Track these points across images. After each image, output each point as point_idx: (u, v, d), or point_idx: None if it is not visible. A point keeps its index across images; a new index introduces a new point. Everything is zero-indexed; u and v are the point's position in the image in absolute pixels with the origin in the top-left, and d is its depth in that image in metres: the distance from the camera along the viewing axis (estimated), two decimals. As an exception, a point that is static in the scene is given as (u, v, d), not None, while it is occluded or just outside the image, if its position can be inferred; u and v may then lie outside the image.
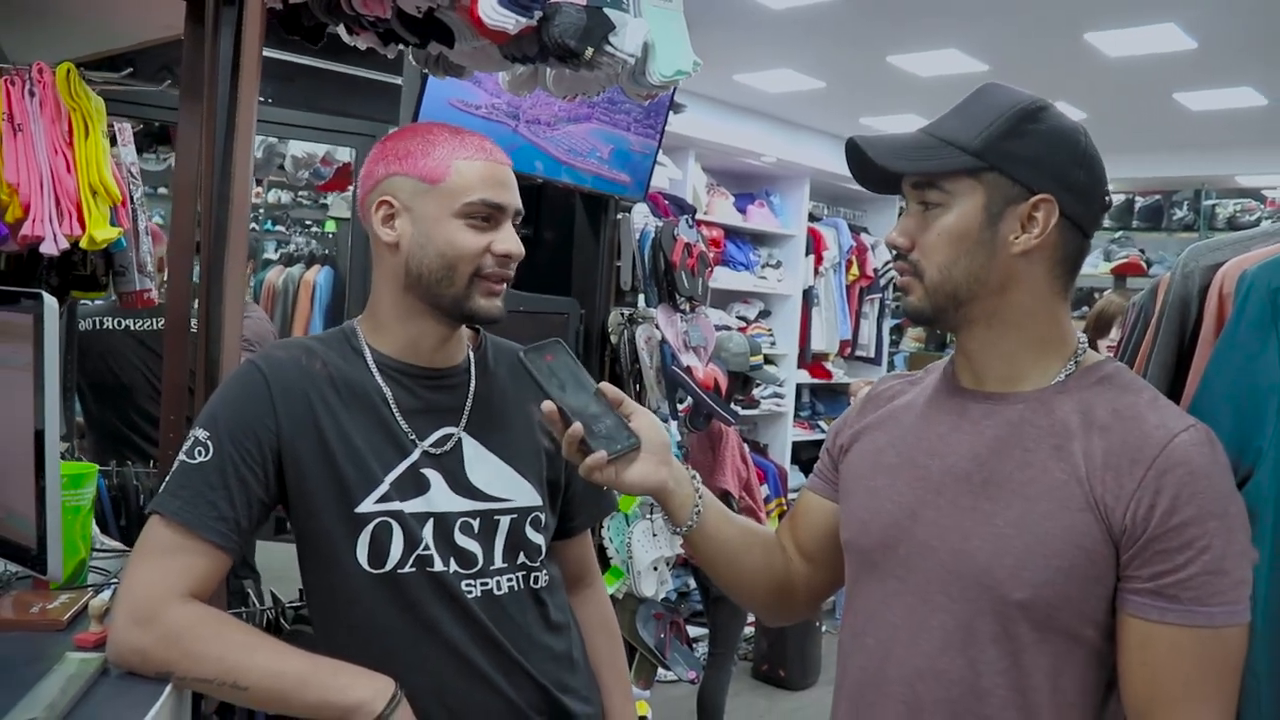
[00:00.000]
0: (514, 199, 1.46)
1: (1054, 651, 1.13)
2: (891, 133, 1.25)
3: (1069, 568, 1.11)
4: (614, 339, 3.80)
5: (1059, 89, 5.16)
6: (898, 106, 5.64)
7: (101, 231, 1.60)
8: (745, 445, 4.22)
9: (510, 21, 1.63)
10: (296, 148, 3.45)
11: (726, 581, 1.42)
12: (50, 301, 1.33)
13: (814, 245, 6.68)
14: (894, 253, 1.24)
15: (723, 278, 6.15)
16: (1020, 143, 1.17)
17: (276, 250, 5.33)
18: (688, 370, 3.82)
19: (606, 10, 1.73)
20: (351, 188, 3.67)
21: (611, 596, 3.70)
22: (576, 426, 1.25)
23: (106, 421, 3.18)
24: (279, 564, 1.52)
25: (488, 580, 1.45)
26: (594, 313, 3.81)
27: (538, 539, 1.51)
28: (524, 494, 1.51)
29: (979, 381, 1.24)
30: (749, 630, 5.40)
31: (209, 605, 1.31)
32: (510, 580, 1.48)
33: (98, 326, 3.13)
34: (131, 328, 3.15)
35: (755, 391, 6.16)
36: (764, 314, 6.63)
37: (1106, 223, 7.13)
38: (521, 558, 1.49)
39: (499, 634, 1.44)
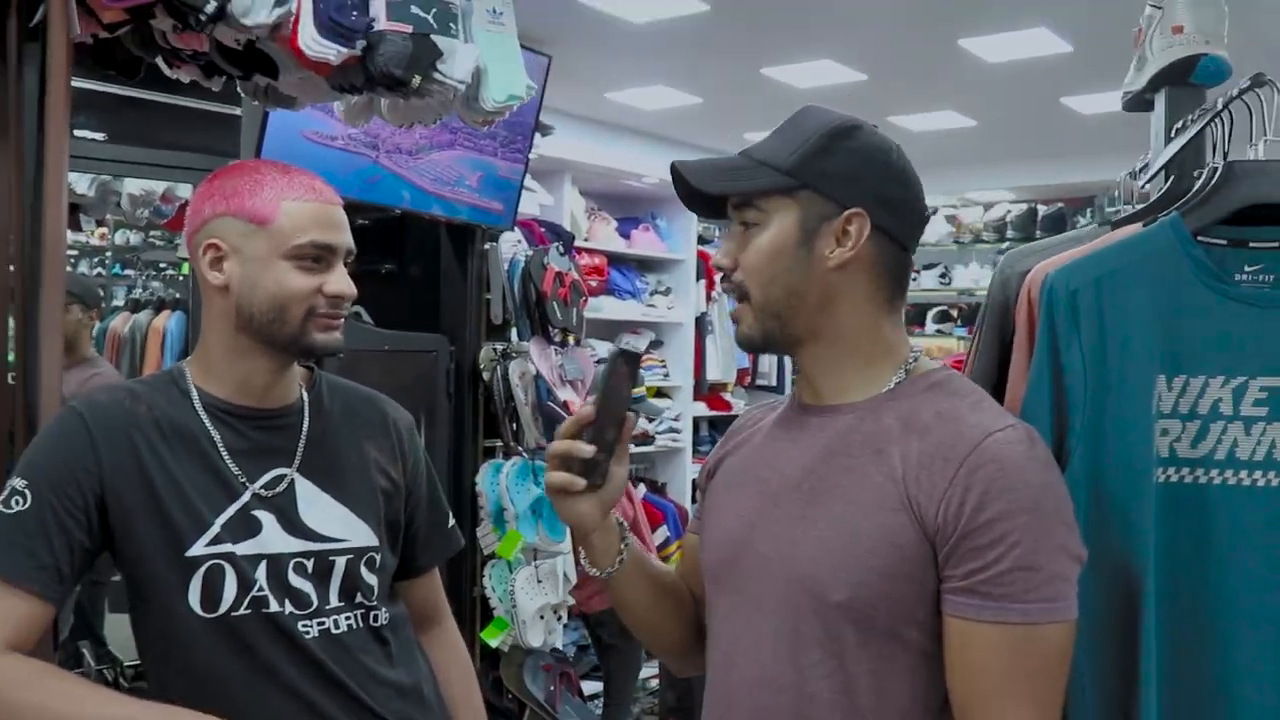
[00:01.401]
0: (345, 239, 1.55)
1: (878, 654, 1.23)
2: (711, 158, 1.38)
3: (884, 567, 1.21)
4: (486, 376, 3.89)
5: (943, 97, 5.44)
6: (779, 120, 5.84)
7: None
8: (633, 485, 4.33)
9: (332, 52, 1.72)
10: (133, 185, 3.48)
11: (642, 629, 1.52)
12: None
13: (705, 270, 6.83)
14: (722, 275, 1.36)
15: (609, 308, 6.25)
16: (832, 160, 1.28)
17: (126, 297, 5.29)
18: (564, 405, 3.90)
19: (434, 37, 1.83)
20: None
21: (496, 650, 3.80)
22: (586, 447, 1.32)
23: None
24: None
25: (324, 620, 1.53)
26: (464, 349, 3.90)
27: (372, 579, 1.59)
28: (359, 534, 1.59)
29: (817, 396, 1.36)
30: (655, 684, 5.49)
31: (31, 658, 1.37)
32: (349, 619, 1.56)
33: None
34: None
35: (649, 426, 6.28)
36: (655, 344, 6.75)
37: (1009, 234, 7.47)
38: (359, 597, 1.58)
39: (340, 673, 1.52)
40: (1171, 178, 1.49)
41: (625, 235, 6.57)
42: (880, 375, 1.32)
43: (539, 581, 3.95)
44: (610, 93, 5.42)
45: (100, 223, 4.39)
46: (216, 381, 1.55)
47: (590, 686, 4.48)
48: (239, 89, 2.08)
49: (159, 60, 1.89)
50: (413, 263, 4.12)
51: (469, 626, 3.81)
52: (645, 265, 6.81)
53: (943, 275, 7.83)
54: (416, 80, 1.82)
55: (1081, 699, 1.35)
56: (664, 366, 6.67)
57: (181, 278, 4.97)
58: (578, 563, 4.28)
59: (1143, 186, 1.56)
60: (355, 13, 1.73)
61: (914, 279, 7.64)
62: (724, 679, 1.36)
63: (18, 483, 1.42)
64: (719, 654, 1.38)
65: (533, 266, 3.98)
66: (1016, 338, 1.43)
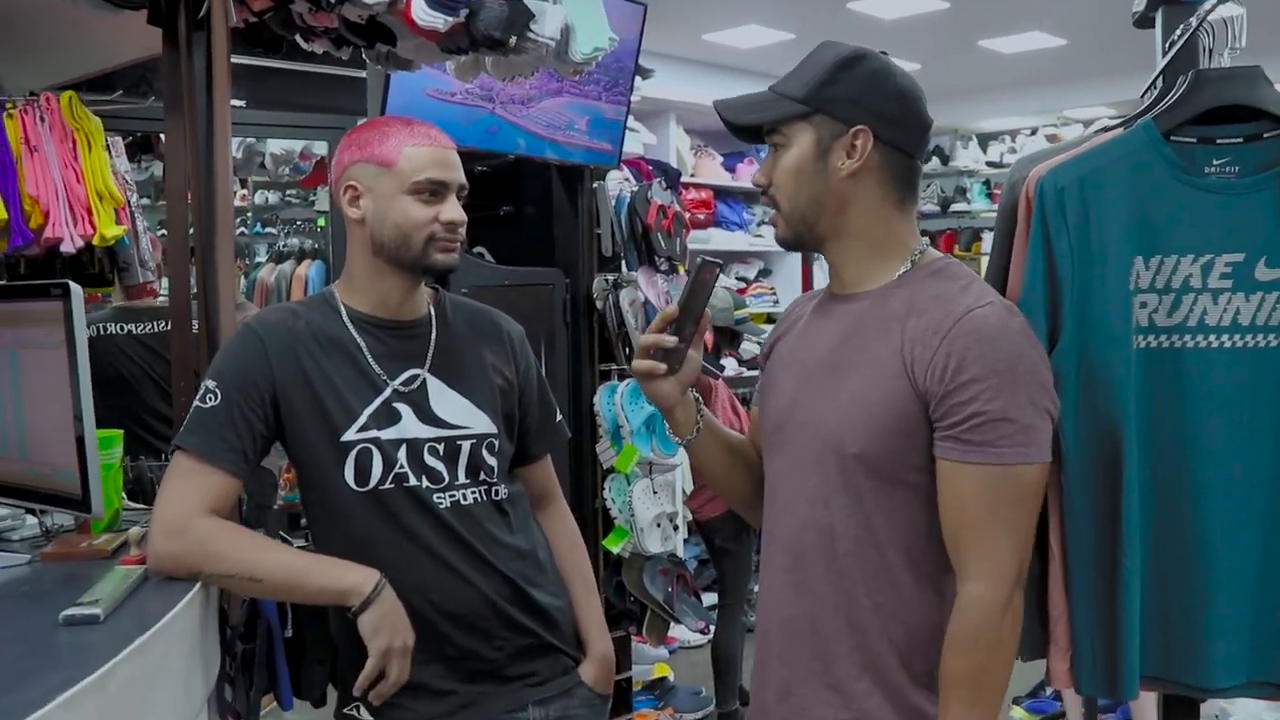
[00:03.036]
0: (457, 177, 1.85)
1: (889, 496, 1.51)
2: (746, 94, 1.64)
3: (888, 425, 1.48)
4: (599, 305, 4.09)
5: (1029, 18, 5.48)
6: (871, 51, 5.99)
7: (110, 229, 2.03)
8: (735, 398, 4.58)
9: (439, 20, 2.01)
10: (274, 145, 3.83)
11: (720, 485, 1.82)
12: (76, 288, 1.74)
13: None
14: (761, 190, 1.63)
15: (717, 239, 6.47)
16: (839, 87, 1.54)
17: (267, 252, 5.70)
18: (671, 328, 4.11)
19: (525, 1, 2.12)
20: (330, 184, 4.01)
21: (618, 556, 4.08)
22: (668, 339, 1.61)
23: (115, 421, 3.57)
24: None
25: (454, 492, 1.85)
26: (578, 281, 4.12)
27: (492, 461, 1.90)
28: (480, 423, 1.90)
29: (842, 286, 1.63)
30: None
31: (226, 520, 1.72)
32: (474, 492, 1.87)
33: (101, 332, 3.48)
34: (134, 331, 3.51)
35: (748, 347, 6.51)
36: (764, 273, 6.96)
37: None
38: (481, 475, 1.89)
39: (468, 536, 1.83)
40: (1161, 87, 1.69)
41: (730, 169, 6.76)
42: (892, 266, 1.57)
43: (654, 492, 4.16)
44: (706, 34, 5.62)
45: (242, 184, 4.78)
46: (360, 298, 1.87)
47: (708, 599, 4.72)
48: (364, 56, 2.39)
49: (297, 37, 2.21)
50: (528, 204, 4.31)
51: (592, 535, 4.02)
52: (750, 197, 6.97)
53: (1046, 193, 7.80)
54: (513, 40, 2.10)
55: (1076, 528, 1.59)
56: (773, 294, 6.87)
57: (318, 229, 5.36)
58: (693, 476, 4.54)
59: (1141, 97, 1.75)
60: (458, -15, 2.02)
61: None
62: (775, 527, 1.66)
63: (209, 384, 1.76)
64: (773, 507, 1.67)
65: (637, 201, 4.17)
66: (1016, 233, 1.65)
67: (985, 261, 1.92)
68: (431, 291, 1.98)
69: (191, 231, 2.00)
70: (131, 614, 1.51)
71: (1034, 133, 7.95)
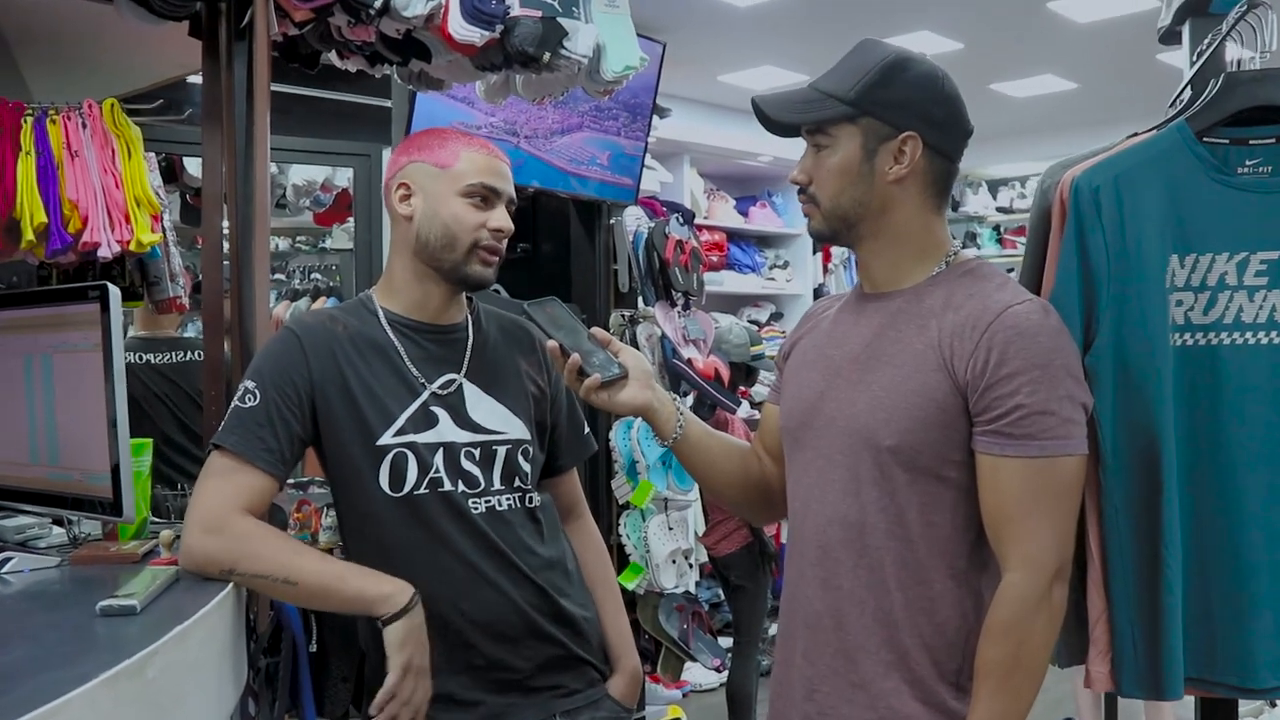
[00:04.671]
0: (508, 188, 1.87)
1: (923, 490, 1.51)
2: (785, 90, 1.67)
3: (925, 417, 1.49)
4: (616, 340, 4.17)
5: (1041, 61, 5.55)
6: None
7: (146, 235, 2.06)
8: (752, 432, 4.57)
9: (476, 35, 2.06)
10: (296, 176, 3.87)
11: (712, 485, 1.82)
12: (114, 289, 1.75)
13: (821, 244, 7.04)
14: (799, 188, 1.65)
15: (730, 282, 6.52)
16: (888, 90, 1.55)
17: (277, 298, 5.74)
18: (688, 363, 4.16)
19: (560, 19, 2.16)
20: (351, 218, 4.07)
21: (632, 593, 4.07)
22: (575, 358, 1.65)
23: (133, 452, 3.60)
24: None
25: (490, 498, 1.84)
26: (595, 316, 4.18)
27: (527, 467, 1.90)
28: (516, 429, 1.90)
29: (874, 285, 1.64)
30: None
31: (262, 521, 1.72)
32: (509, 499, 1.87)
33: (121, 362, 3.54)
34: (153, 361, 3.55)
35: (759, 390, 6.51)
36: (776, 316, 6.99)
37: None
38: (516, 481, 1.88)
39: (501, 543, 1.82)
40: (1192, 93, 1.72)
41: (743, 213, 6.82)
42: (927, 266, 1.59)
43: (670, 528, 4.18)
44: (722, 75, 5.69)
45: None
46: (398, 301, 1.88)
47: (723, 642, 4.70)
48: (395, 75, 2.43)
49: (333, 55, 2.26)
50: (545, 241, 4.43)
51: (607, 570, 4.05)
52: (763, 241, 7.05)
53: (1056, 238, 7.85)
54: (546, 56, 2.15)
55: (1116, 527, 1.60)
56: (784, 336, 6.88)
57: (333, 269, 5.41)
58: (706, 513, 4.54)
59: (1170, 105, 1.78)
60: (494, 1, 2.07)
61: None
62: (801, 522, 1.65)
63: (249, 383, 1.77)
64: (798, 502, 1.67)
65: (655, 236, 4.24)
66: (1051, 236, 1.66)
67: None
68: (466, 300, 1.99)
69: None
70: (166, 608, 1.51)
71: (1043, 179, 7.98)
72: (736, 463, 1.81)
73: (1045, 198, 1.72)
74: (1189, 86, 1.75)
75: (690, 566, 4.32)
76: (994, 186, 8.47)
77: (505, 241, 1.87)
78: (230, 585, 1.65)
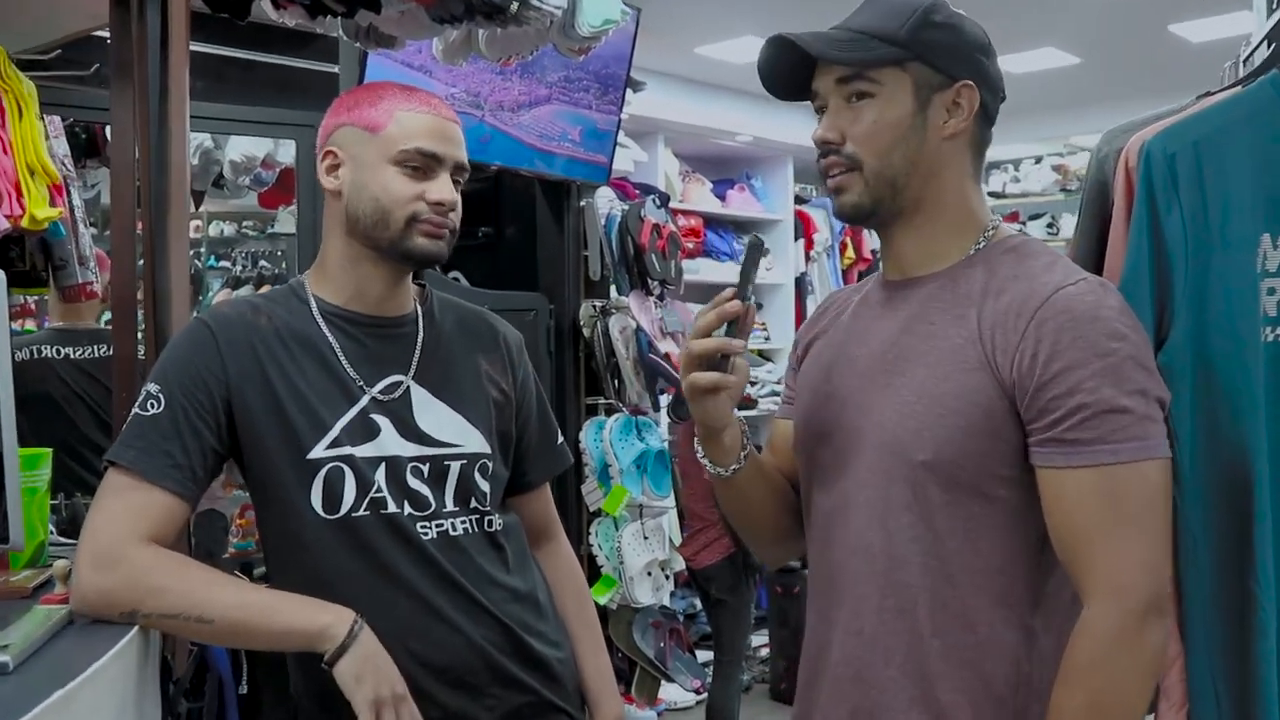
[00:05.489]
0: (453, 152, 1.65)
1: (966, 514, 1.31)
2: (814, 31, 1.44)
3: (966, 425, 1.29)
4: (587, 333, 3.98)
5: (1043, 33, 5.40)
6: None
7: (42, 210, 1.81)
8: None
9: (433, -22, 1.82)
10: (235, 150, 3.65)
11: (751, 525, 1.61)
12: (-1, 274, 1.51)
13: (803, 229, 6.88)
14: (823, 150, 1.41)
15: (706, 270, 6.34)
16: (938, 33, 1.38)
17: (220, 288, 5.54)
18: (665, 357, 3.99)
19: (529, -39, 1.94)
20: (296, 199, 3.87)
21: (605, 608, 3.90)
22: (737, 342, 1.39)
23: (49, 453, 3.37)
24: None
25: (441, 522, 1.64)
26: (564, 307, 4.01)
27: (485, 485, 1.69)
28: (472, 440, 1.70)
29: (901, 270, 1.44)
30: (766, 653, 5.57)
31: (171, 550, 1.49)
32: (464, 522, 1.66)
33: (35, 355, 3.30)
34: (72, 356, 3.33)
35: (751, 390, 6.34)
36: (755, 307, 6.83)
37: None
38: (473, 501, 1.68)
39: (457, 574, 1.62)
40: (1273, 46, 1.52)
41: (720, 196, 6.67)
42: (964, 244, 1.41)
43: (645, 537, 4.03)
44: (700, 47, 5.49)
45: (196, 209, 4.59)
46: (333, 289, 1.67)
47: (701, 656, 4.55)
48: (340, 30, 2.19)
49: (265, 2, 2.02)
50: (509, 225, 4.24)
51: (577, 584, 3.90)
52: (742, 226, 6.88)
53: (1050, 225, 7.73)
54: (515, 6, 1.92)
55: (1195, 559, 1.40)
56: (764, 329, 6.73)
57: (279, 255, 5.19)
58: (681, 522, 4.38)
59: (1244, 59, 1.58)
60: (454, -62, 1.84)
61: (1021, 229, 7.59)
62: (822, 553, 1.45)
63: (152, 387, 1.55)
64: (816, 530, 1.47)
65: (629, 219, 4.06)
66: (1115, 211, 1.49)
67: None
68: (418, 288, 1.77)
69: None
70: (50, 663, 1.30)
71: (1039, 161, 7.86)
72: (781, 500, 1.59)
73: (1103, 168, 1.56)
74: (1267, 41, 1.55)
75: (667, 578, 4.16)
76: (985, 170, 8.26)
77: (454, 216, 1.64)
78: (134, 628, 1.42)
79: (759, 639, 5.60)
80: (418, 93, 1.67)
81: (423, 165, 1.61)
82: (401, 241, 1.61)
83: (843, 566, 1.40)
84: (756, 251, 1.44)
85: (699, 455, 1.50)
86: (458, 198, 1.65)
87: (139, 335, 1.87)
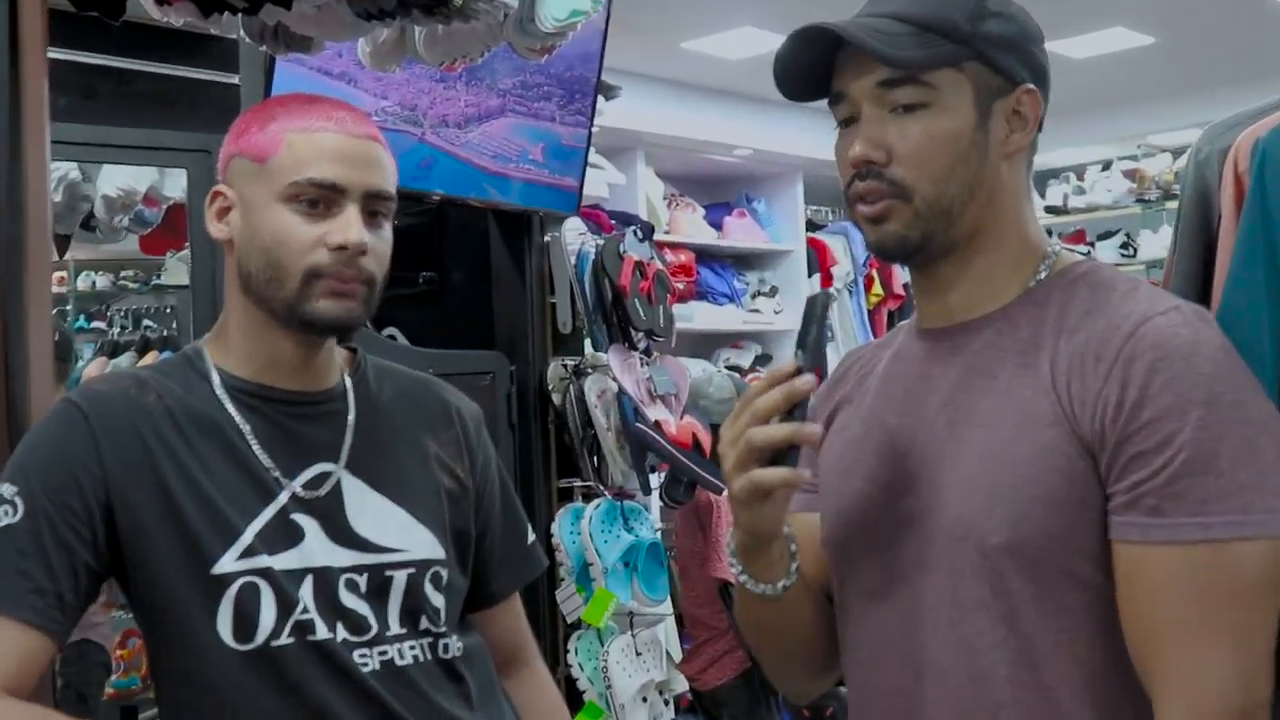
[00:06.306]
0: (361, 177, 1.60)
1: (1058, 609, 1.29)
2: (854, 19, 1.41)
3: (1046, 495, 1.27)
4: (557, 399, 4.01)
5: (1110, 10, 5.47)
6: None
7: None
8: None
9: (356, -37, 1.82)
10: (108, 183, 3.64)
11: (787, 653, 1.58)
12: None
13: (818, 261, 6.93)
14: (860, 171, 1.38)
15: (701, 315, 6.38)
16: (999, 24, 1.37)
17: (95, 352, 5.51)
18: (656, 426, 4.01)
19: (476, -56, 1.94)
20: (189, 243, 3.86)
21: (588, 747, 3.87)
22: (813, 428, 1.34)
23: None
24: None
25: (385, 648, 1.61)
26: (528, 368, 4.05)
27: (439, 600, 1.68)
28: (421, 544, 1.68)
29: (948, 315, 1.43)
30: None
31: (30, 703, 1.46)
32: (414, 649, 1.64)
33: None
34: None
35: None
36: (763, 359, 6.84)
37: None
38: (424, 622, 1.66)
39: (406, 715, 1.60)
40: None
41: (716, 225, 6.72)
42: (1022, 277, 1.40)
43: (637, 653, 4.06)
44: (687, 41, 5.54)
45: (60, 248, 4.58)
46: (238, 359, 1.65)
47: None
48: (241, 31, 2.19)
49: (145, -1, 2.01)
50: (456, 268, 4.30)
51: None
52: (743, 261, 6.96)
53: (1124, 246, 7.78)
54: (459, -1, 1.91)
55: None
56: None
57: (168, 313, 5.17)
58: (681, 631, 4.36)
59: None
60: (382, -87, 1.84)
61: (1089, 252, 7.64)
62: (868, 678, 1.44)
63: (6, 490, 1.52)
64: (862, 650, 1.45)
65: (606, 257, 4.11)
66: (1223, 226, 1.50)
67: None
68: (347, 352, 1.76)
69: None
70: None
71: (1107, 167, 7.91)
72: (829, 620, 1.56)
73: (1204, 173, 1.58)
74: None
75: (666, 704, 4.21)
76: (1041, 180, 8.40)
77: (370, 262, 1.60)
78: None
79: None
80: (319, 104, 1.64)
81: (321, 199, 1.58)
82: (299, 305, 1.58)
83: (902, 692, 1.37)
84: (821, 308, 1.39)
85: (736, 572, 1.47)
86: (374, 238, 1.60)
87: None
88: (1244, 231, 1.43)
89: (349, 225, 1.57)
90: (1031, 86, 1.38)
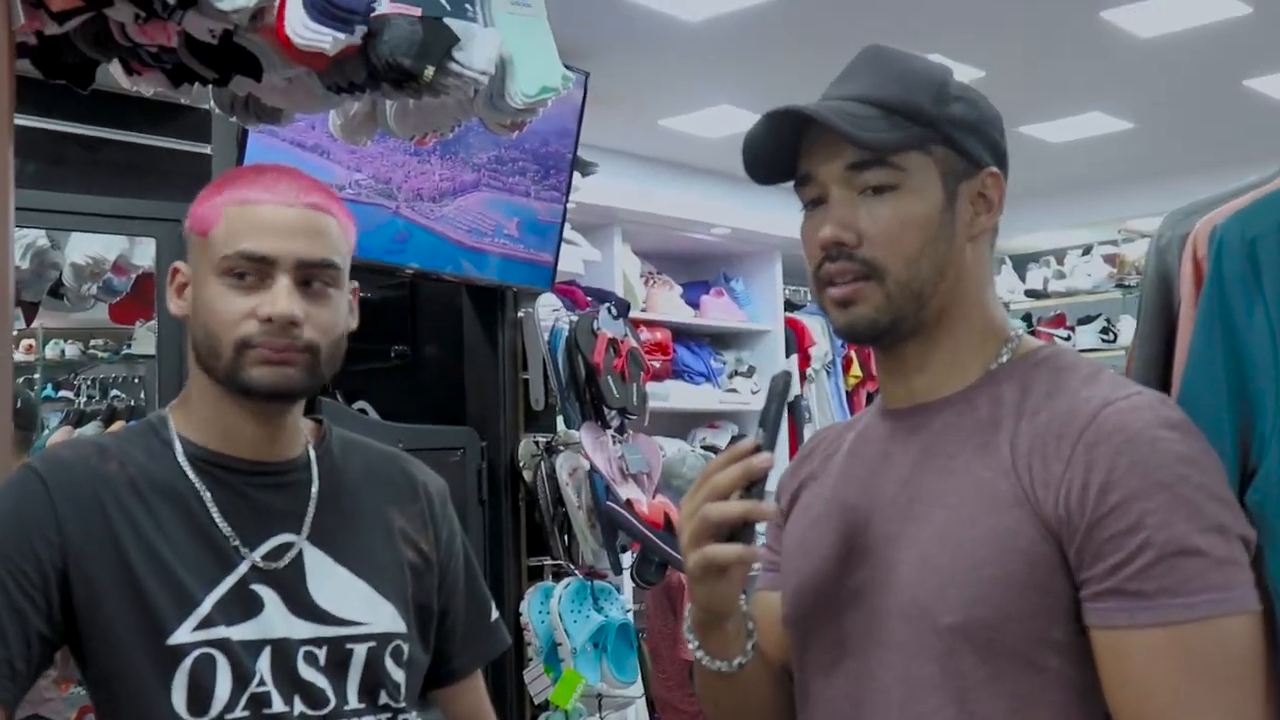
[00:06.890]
0: (291, 247, 1.60)
1: (1012, 693, 1.30)
2: (827, 102, 1.45)
3: (1004, 576, 1.29)
4: (528, 476, 4.00)
5: (1087, 93, 5.55)
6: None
7: None
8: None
9: (326, 40, 1.85)
10: (77, 251, 3.65)
11: None
12: None
13: (796, 342, 6.94)
14: (830, 253, 1.40)
15: (677, 395, 6.39)
16: (959, 107, 1.42)
17: (59, 425, 5.48)
18: (628, 505, 4.00)
19: (448, 21, 1.97)
20: (157, 312, 3.87)
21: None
22: (768, 507, 1.39)
23: None
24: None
25: None
26: (499, 444, 4.05)
27: (399, 675, 1.68)
28: (382, 617, 1.69)
29: (910, 396, 1.47)
30: None
31: None
32: None
33: None
34: None
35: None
36: (739, 439, 6.81)
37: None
38: (383, 697, 1.67)
39: None
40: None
41: (693, 303, 6.74)
42: (984, 359, 1.44)
43: None
44: (665, 119, 5.60)
45: (28, 316, 4.58)
46: (201, 428, 1.66)
47: None
48: (212, 102, 2.22)
49: (116, 67, 2.04)
50: (428, 342, 4.30)
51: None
52: (720, 340, 6.97)
53: (1105, 331, 7.82)
54: (429, 72, 1.95)
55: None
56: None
57: (136, 380, 5.16)
58: (653, 716, 4.34)
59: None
60: (353, -8, 1.87)
61: (1068, 338, 7.66)
62: None
63: None
64: None
65: (580, 334, 4.12)
66: (1182, 312, 1.51)
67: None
68: (313, 424, 1.77)
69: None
70: None
71: (1088, 252, 7.95)
72: (788, 697, 1.57)
73: (1164, 260, 1.59)
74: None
75: None
76: (1021, 263, 8.48)
77: (307, 331, 1.60)
78: None
79: None
80: (265, 175, 1.66)
81: (251, 271, 1.60)
82: (235, 374, 1.60)
83: None
84: (783, 389, 1.44)
85: (693, 648, 1.48)
86: (313, 307, 1.61)
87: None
88: (1202, 316, 1.44)
89: (277, 298, 1.59)
90: (995, 170, 1.43)
